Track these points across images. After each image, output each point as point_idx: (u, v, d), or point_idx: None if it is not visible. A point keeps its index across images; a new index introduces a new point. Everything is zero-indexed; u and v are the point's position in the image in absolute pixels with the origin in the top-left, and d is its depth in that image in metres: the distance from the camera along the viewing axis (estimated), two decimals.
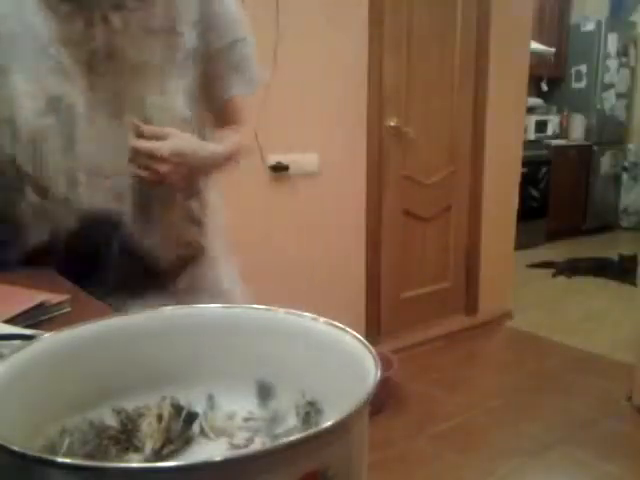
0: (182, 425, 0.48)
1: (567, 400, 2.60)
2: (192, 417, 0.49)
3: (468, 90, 3.19)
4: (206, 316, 0.53)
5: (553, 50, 5.39)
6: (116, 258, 0.94)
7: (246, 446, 0.48)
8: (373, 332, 2.95)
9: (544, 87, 5.79)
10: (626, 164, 6.15)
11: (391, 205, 2.97)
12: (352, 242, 2.84)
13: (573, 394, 2.66)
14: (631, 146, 6.12)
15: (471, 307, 3.44)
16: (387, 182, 2.93)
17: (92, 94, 0.89)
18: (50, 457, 0.31)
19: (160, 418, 0.48)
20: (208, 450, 0.48)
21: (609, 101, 5.85)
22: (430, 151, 3.11)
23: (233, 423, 0.51)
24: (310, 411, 0.48)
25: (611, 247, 5.15)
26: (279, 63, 2.38)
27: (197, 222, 1.08)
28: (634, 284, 4.27)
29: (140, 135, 0.86)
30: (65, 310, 0.84)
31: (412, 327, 3.15)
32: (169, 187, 0.92)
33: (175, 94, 0.92)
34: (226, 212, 2.39)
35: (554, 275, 4.53)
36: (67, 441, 0.45)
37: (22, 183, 0.89)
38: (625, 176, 6.17)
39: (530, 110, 5.02)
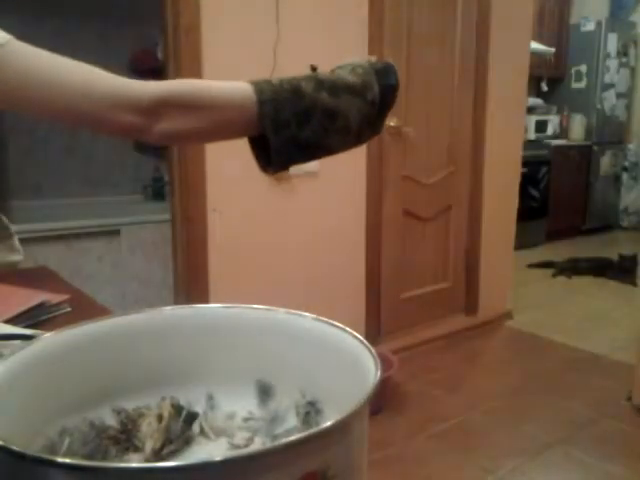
0: (182, 425, 0.48)
1: (567, 400, 2.60)
2: (192, 417, 0.49)
3: (468, 90, 3.19)
4: (206, 316, 0.53)
5: (553, 50, 5.39)
6: None
7: (246, 446, 0.48)
8: (373, 332, 2.95)
9: (544, 87, 5.79)
10: (626, 164, 6.14)
11: (391, 205, 2.97)
12: (352, 242, 2.84)
13: (573, 394, 2.66)
14: (631, 146, 6.12)
15: (471, 307, 3.44)
16: (387, 182, 2.93)
17: None
18: (50, 457, 0.31)
19: (160, 418, 0.48)
20: (208, 450, 0.48)
21: (609, 101, 5.85)
22: (430, 151, 3.11)
23: (233, 423, 0.51)
24: (310, 411, 0.48)
25: (611, 247, 5.15)
26: (279, 63, 2.38)
27: None
28: (634, 284, 4.28)
29: None
30: (65, 310, 0.84)
31: (412, 327, 3.15)
32: None
33: None
34: (226, 212, 2.39)
35: (554, 275, 4.53)
36: (67, 441, 0.45)
37: None
38: (625, 176, 6.17)
39: (530, 110, 5.02)
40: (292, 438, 0.32)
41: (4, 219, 1.13)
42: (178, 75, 2.24)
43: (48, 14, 3.35)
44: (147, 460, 0.45)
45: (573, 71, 5.84)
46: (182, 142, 0.82)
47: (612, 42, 5.69)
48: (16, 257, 1.13)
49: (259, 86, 0.70)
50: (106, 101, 0.70)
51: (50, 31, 3.34)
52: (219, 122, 0.73)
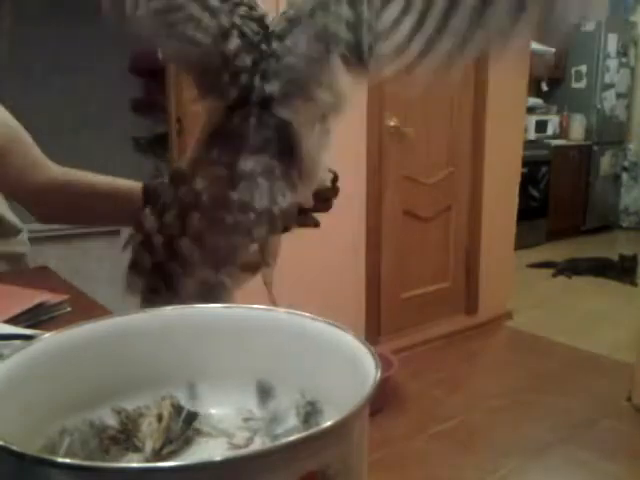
0: (182, 425, 0.48)
1: (567, 400, 2.60)
2: (192, 417, 0.49)
3: (468, 90, 3.19)
4: (206, 316, 0.53)
5: (553, 50, 5.39)
6: None
7: (246, 446, 0.48)
8: (373, 332, 2.95)
9: (544, 87, 5.79)
10: (626, 164, 6.14)
11: (391, 205, 2.97)
12: (352, 242, 2.84)
13: (573, 394, 2.66)
14: (631, 146, 6.12)
15: (471, 307, 3.44)
16: (387, 182, 2.93)
17: None
18: (50, 457, 0.31)
19: (160, 418, 0.48)
20: (208, 450, 0.48)
21: (609, 101, 5.85)
22: (430, 151, 3.11)
23: (233, 423, 0.51)
24: (310, 411, 0.48)
25: (611, 247, 5.15)
26: None
27: None
28: (634, 284, 4.28)
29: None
30: (65, 310, 0.84)
31: (412, 327, 3.15)
32: None
33: None
34: None
35: (554, 275, 4.53)
36: (67, 441, 0.45)
37: None
38: (625, 176, 6.17)
39: (530, 110, 5.02)
40: (292, 438, 0.32)
41: (9, 217, 1.15)
42: (178, 75, 2.23)
43: (48, 14, 3.35)
44: (147, 460, 0.45)
45: (573, 71, 5.83)
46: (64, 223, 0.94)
47: (612, 42, 5.69)
48: (21, 248, 1.15)
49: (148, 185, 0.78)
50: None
51: (50, 31, 3.34)
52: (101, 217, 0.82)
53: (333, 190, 0.77)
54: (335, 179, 0.77)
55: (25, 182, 0.80)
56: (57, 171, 0.81)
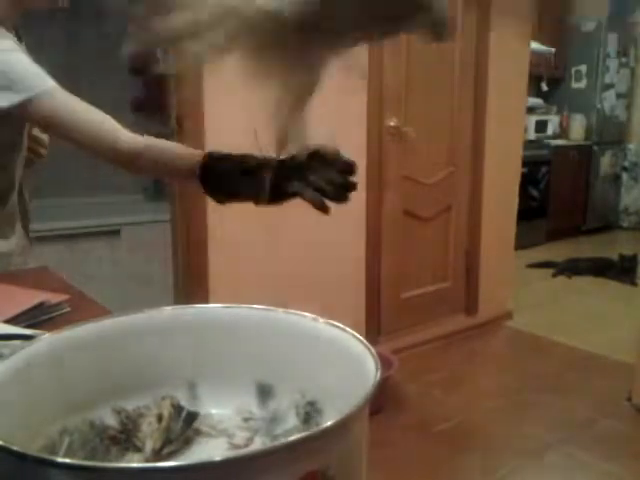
0: (182, 425, 0.48)
1: (567, 400, 2.60)
2: (192, 417, 0.49)
3: (468, 90, 3.19)
4: (206, 316, 0.54)
5: (553, 50, 5.38)
6: None
7: (246, 446, 0.49)
8: (373, 332, 2.95)
9: (544, 87, 5.79)
10: (626, 164, 6.14)
11: (391, 205, 2.97)
12: (352, 242, 2.84)
13: (573, 394, 2.66)
14: (631, 146, 6.12)
15: (471, 307, 3.44)
16: (387, 182, 2.93)
17: None
18: (50, 457, 0.32)
19: (160, 418, 0.48)
20: (208, 450, 0.48)
21: (609, 101, 5.85)
22: (430, 151, 3.11)
23: (233, 423, 0.51)
24: (310, 411, 0.49)
25: (611, 247, 5.15)
26: None
27: None
28: (634, 284, 4.28)
29: None
30: (65, 310, 0.84)
31: (412, 327, 3.15)
32: None
33: None
34: (226, 212, 2.39)
35: (554, 275, 4.53)
36: (67, 441, 0.45)
37: None
38: (625, 176, 6.17)
39: (530, 110, 5.02)
40: (292, 438, 0.32)
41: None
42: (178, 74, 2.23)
43: (48, 12, 3.35)
44: (147, 460, 0.45)
45: (573, 71, 5.83)
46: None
47: (612, 42, 5.69)
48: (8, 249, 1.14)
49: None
50: (108, 141, 0.98)
51: (50, 30, 3.33)
52: (172, 171, 1.02)
53: (345, 180, 0.89)
54: (348, 168, 0.89)
55: (119, 146, 0.97)
56: (137, 137, 0.99)
